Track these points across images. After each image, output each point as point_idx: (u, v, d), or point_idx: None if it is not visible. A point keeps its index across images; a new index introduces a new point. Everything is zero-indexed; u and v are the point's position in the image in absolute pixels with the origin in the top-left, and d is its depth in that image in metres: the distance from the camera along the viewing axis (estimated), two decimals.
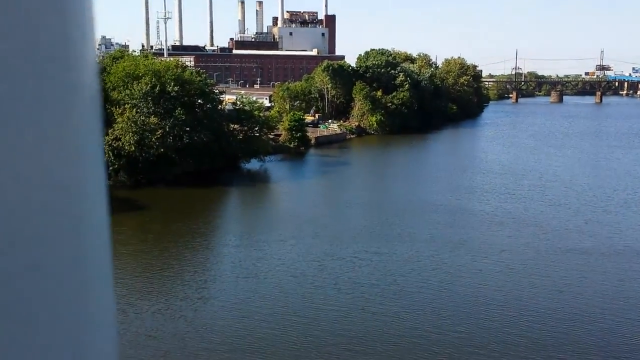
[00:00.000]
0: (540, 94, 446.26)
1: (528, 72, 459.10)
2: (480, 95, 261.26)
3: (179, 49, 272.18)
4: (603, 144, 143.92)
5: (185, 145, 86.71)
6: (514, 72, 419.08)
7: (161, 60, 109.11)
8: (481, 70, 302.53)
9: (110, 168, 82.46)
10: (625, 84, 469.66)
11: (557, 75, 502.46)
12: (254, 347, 35.75)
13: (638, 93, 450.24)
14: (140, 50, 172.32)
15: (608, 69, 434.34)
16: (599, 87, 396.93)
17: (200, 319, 39.90)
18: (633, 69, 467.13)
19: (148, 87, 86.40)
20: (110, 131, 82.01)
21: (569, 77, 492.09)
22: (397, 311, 41.16)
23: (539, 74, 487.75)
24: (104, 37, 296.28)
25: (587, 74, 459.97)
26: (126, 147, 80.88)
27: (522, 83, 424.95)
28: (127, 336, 37.05)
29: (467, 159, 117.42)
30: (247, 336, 37.36)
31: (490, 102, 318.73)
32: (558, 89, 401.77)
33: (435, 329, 38.33)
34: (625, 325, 39.30)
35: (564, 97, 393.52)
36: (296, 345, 36.14)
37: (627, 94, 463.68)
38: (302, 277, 48.16)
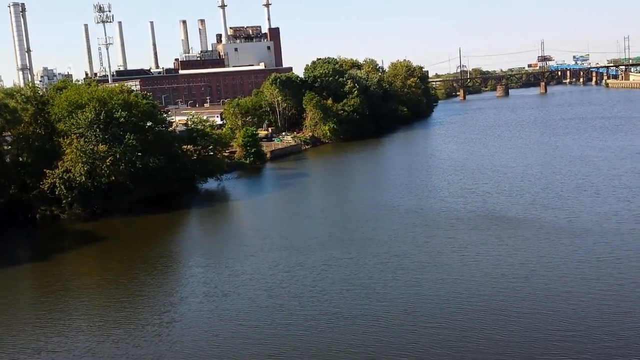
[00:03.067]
0: (487, 89, 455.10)
1: (473, 68, 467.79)
2: (428, 96, 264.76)
3: (124, 74, 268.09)
4: (551, 132, 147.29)
5: (139, 170, 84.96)
6: (459, 70, 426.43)
7: (105, 86, 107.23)
8: (427, 71, 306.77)
9: (64, 201, 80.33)
10: (568, 72, 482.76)
11: (502, 70, 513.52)
12: None
13: (581, 80, 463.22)
14: (83, 79, 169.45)
15: (550, 59, 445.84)
16: (543, 77, 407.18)
17: (176, 341, 39.10)
18: (574, 57, 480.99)
19: (93, 115, 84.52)
20: (59, 163, 79.97)
21: (513, 71, 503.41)
22: (370, 312, 41.15)
23: (484, 69, 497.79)
24: (46, 69, 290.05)
25: (529, 65, 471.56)
26: (77, 178, 78.85)
27: (468, 80, 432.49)
28: None
29: (421, 159, 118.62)
30: (227, 353, 36.79)
31: (439, 101, 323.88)
32: (503, 83, 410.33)
33: (405, 326, 38.28)
34: (588, 304, 39.97)
35: (510, 91, 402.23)
36: (276, 356, 35.67)
37: (570, 82, 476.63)
38: (275, 289, 47.75)
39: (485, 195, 77.56)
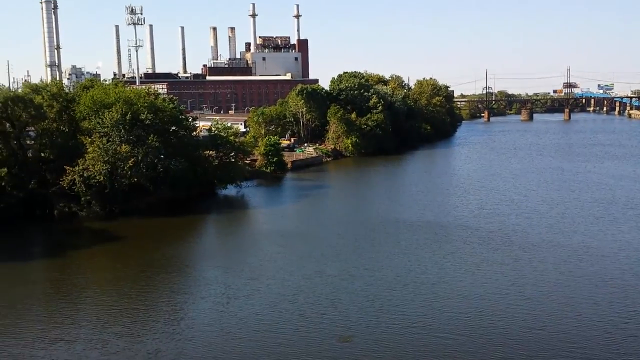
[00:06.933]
0: (511, 112, 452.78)
1: (498, 91, 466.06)
2: (453, 115, 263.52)
3: (152, 77, 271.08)
4: (573, 158, 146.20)
5: (160, 173, 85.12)
6: (485, 92, 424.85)
7: (132, 87, 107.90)
8: (453, 91, 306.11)
9: (82, 199, 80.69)
10: (592, 100, 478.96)
11: (527, 94, 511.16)
12: None
13: (604, 109, 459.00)
14: (111, 79, 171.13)
15: (575, 86, 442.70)
16: (567, 104, 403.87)
17: (190, 338, 39.26)
18: (599, 85, 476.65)
19: (119, 115, 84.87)
20: (80, 161, 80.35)
21: (538, 95, 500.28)
22: (384, 323, 40.94)
23: (509, 92, 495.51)
24: (74, 67, 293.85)
25: (555, 91, 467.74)
26: (97, 177, 79.10)
27: (493, 102, 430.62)
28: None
29: (442, 178, 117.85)
30: (240, 354, 36.79)
31: (463, 121, 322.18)
32: (528, 107, 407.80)
33: (418, 339, 37.90)
34: (598, 327, 39.41)
35: (534, 115, 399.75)
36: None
37: (594, 110, 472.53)
38: (293, 295, 47.85)
39: (504, 216, 77.14)
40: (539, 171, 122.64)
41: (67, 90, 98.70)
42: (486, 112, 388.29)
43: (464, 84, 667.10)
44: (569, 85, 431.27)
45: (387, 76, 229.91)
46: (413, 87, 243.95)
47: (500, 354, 36.58)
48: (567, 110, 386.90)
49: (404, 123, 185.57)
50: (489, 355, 36.47)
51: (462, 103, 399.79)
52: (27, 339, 40.40)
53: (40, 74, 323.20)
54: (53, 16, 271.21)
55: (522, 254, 58.60)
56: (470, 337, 39.05)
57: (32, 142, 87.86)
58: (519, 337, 39.02)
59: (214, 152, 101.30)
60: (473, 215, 78.31)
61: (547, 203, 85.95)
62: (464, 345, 37.81)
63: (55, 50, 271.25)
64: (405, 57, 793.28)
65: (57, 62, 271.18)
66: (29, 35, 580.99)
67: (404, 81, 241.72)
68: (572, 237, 65.13)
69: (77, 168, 79.81)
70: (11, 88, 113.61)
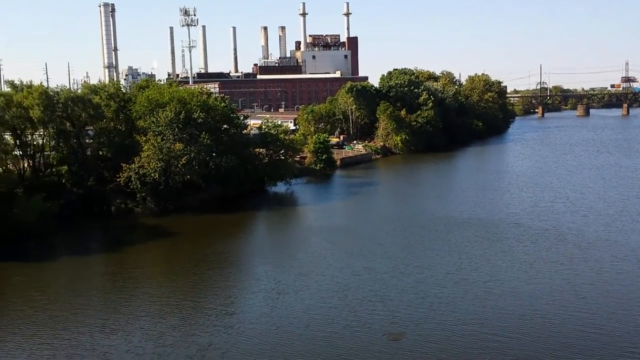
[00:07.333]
0: (567, 107, 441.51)
1: (553, 86, 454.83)
2: (505, 111, 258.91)
3: (204, 76, 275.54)
4: (632, 155, 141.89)
5: (211, 170, 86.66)
6: (539, 87, 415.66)
7: (186, 87, 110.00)
8: (506, 86, 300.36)
9: (138, 196, 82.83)
10: None
11: (583, 89, 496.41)
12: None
13: None
14: (166, 79, 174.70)
15: (634, 80, 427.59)
16: (625, 99, 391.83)
17: (247, 333, 40.06)
18: None
19: (173, 115, 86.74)
20: (136, 159, 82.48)
21: (594, 90, 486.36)
22: (434, 321, 40.72)
23: (564, 87, 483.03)
24: (130, 68, 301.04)
25: (612, 86, 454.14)
26: (152, 174, 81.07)
27: (548, 97, 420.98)
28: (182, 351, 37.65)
29: (494, 175, 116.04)
30: (291, 350, 37.20)
31: (516, 117, 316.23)
32: (584, 103, 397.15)
33: (470, 337, 37.62)
34: None
35: (591, 111, 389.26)
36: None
37: None
38: (345, 291, 48.13)
39: (559, 214, 75.62)
40: (596, 168, 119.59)
41: (123, 91, 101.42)
42: (540, 108, 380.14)
43: (517, 80, 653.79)
44: (628, 79, 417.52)
45: (437, 72, 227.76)
46: (464, 83, 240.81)
47: (555, 353, 36.00)
48: (625, 105, 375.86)
49: (454, 119, 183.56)
50: (543, 355, 35.91)
51: (515, 99, 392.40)
52: (88, 329, 41.84)
53: (98, 75, 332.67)
54: (111, 19, 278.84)
55: (577, 253, 57.35)
56: (523, 336, 38.60)
57: (91, 140, 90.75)
58: (574, 337, 38.36)
59: (264, 149, 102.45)
60: (526, 212, 77.01)
61: (605, 200, 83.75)
62: (517, 344, 37.38)
63: (113, 52, 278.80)
64: (457, 54, 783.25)
65: (114, 63, 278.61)
66: (88, 37, 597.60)
67: (455, 77, 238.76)
68: (631, 236, 63.34)
69: (133, 166, 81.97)
70: (71, 89, 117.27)
